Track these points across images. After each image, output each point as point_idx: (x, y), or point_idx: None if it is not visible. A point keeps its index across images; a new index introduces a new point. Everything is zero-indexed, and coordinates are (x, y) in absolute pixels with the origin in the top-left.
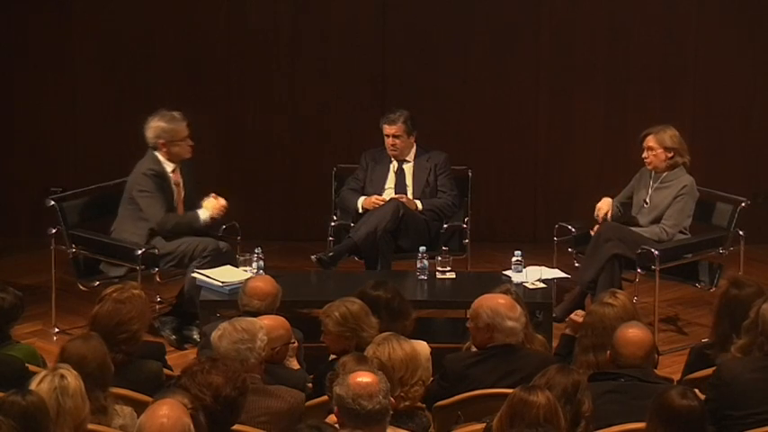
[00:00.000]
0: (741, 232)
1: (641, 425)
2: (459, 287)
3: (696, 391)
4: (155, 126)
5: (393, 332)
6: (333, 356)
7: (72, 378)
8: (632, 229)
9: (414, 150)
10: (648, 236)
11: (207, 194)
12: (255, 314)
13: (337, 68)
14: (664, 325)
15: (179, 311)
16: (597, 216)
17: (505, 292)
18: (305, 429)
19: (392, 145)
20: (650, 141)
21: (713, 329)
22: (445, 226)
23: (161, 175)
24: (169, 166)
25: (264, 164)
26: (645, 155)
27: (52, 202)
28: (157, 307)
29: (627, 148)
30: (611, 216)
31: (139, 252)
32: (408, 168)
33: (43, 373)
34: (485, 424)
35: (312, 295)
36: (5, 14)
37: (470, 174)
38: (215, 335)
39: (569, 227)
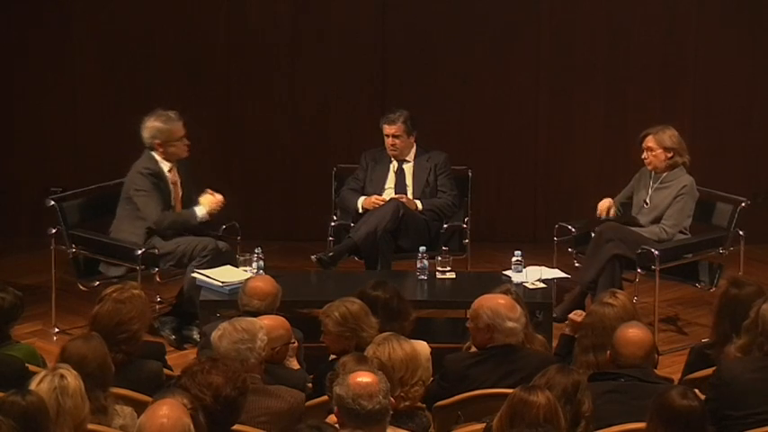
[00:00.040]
0: (741, 232)
1: (641, 425)
2: (459, 287)
3: (696, 391)
4: (151, 126)
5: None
6: (333, 356)
7: (72, 378)
8: (632, 229)
9: (414, 150)
10: (648, 236)
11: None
12: (255, 314)
13: (337, 68)
14: (664, 325)
15: (179, 311)
16: (600, 215)
17: (505, 292)
18: (305, 429)
19: (392, 145)
20: (649, 142)
21: (713, 329)
22: (445, 226)
23: (157, 174)
24: (166, 166)
25: (264, 164)
26: (644, 155)
27: (52, 202)
28: (157, 307)
29: (627, 148)
30: (613, 214)
31: (139, 252)
32: (408, 168)
33: (43, 373)
34: (485, 424)
35: (312, 295)
36: (5, 14)
37: (470, 174)
38: (215, 335)
39: (569, 227)
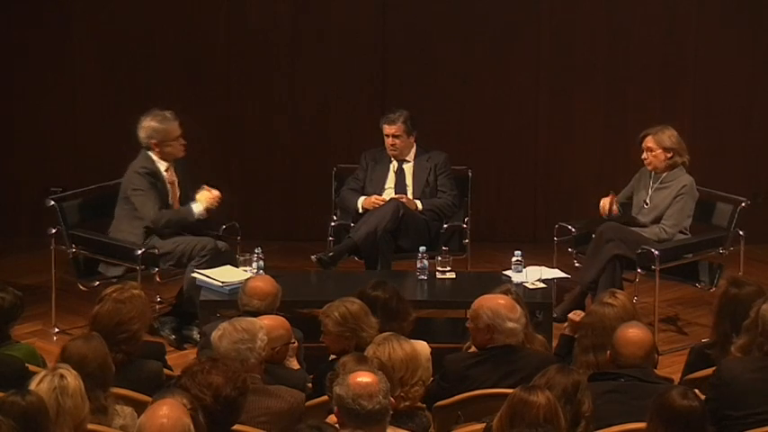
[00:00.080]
0: (741, 232)
1: (641, 425)
2: (459, 287)
3: (696, 391)
4: (146, 126)
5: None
6: (333, 356)
7: (72, 378)
8: (633, 229)
9: (414, 150)
10: (649, 236)
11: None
12: (255, 314)
13: (337, 68)
14: (664, 325)
15: (179, 311)
16: (603, 212)
17: (505, 293)
18: (305, 429)
19: (392, 145)
20: (649, 142)
21: (714, 329)
22: (445, 226)
23: (154, 174)
24: (162, 165)
25: (264, 164)
26: (644, 156)
27: (52, 202)
28: (157, 307)
29: (627, 148)
30: (615, 211)
31: (139, 252)
32: (408, 168)
33: (43, 373)
34: (485, 424)
35: (312, 295)
36: (5, 14)
37: (470, 174)
38: (215, 335)
39: (569, 227)
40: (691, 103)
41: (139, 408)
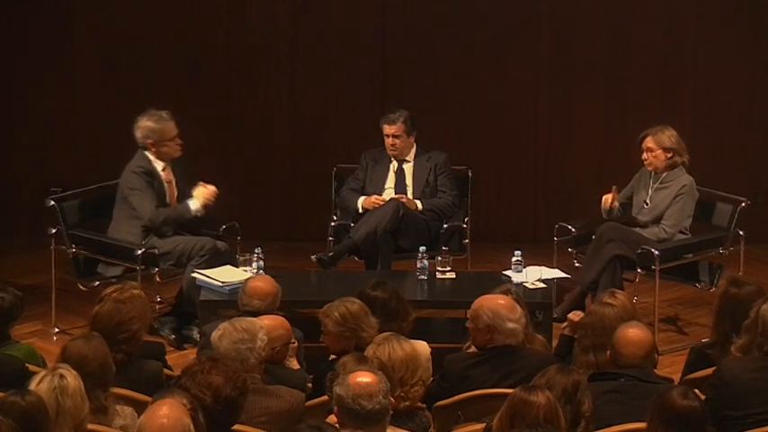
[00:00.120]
0: (741, 232)
1: (641, 425)
2: (459, 287)
3: (696, 391)
4: (143, 126)
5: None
6: (333, 356)
7: (71, 378)
8: (633, 229)
9: (414, 150)
10: (649, 236)
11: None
12: (255, 314)
13: (337, 68)
14: (664, 325)
15: (178, 311)
16: (605, 204)
17: (505, 293)
18: (305, 429)
19: (392, 145)
20: (649, 142)
21: (714, 329)
22: (445, 226)
23: (150, 173)
24: (159, 165)
25: (264, 164)
26: (644, 156)
27: (52, 202)
28: (157, 307)
29: (627, 148)
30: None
31: (139, 252)
32: (408, 168)
33: (43, 373)
34: (485, 424)
35: (312, 295)
36: (5, 14)
37: (470, 174)
38: (215, 335)
39: (569, 227)
40: (691, 103)
41: (139, 408)
